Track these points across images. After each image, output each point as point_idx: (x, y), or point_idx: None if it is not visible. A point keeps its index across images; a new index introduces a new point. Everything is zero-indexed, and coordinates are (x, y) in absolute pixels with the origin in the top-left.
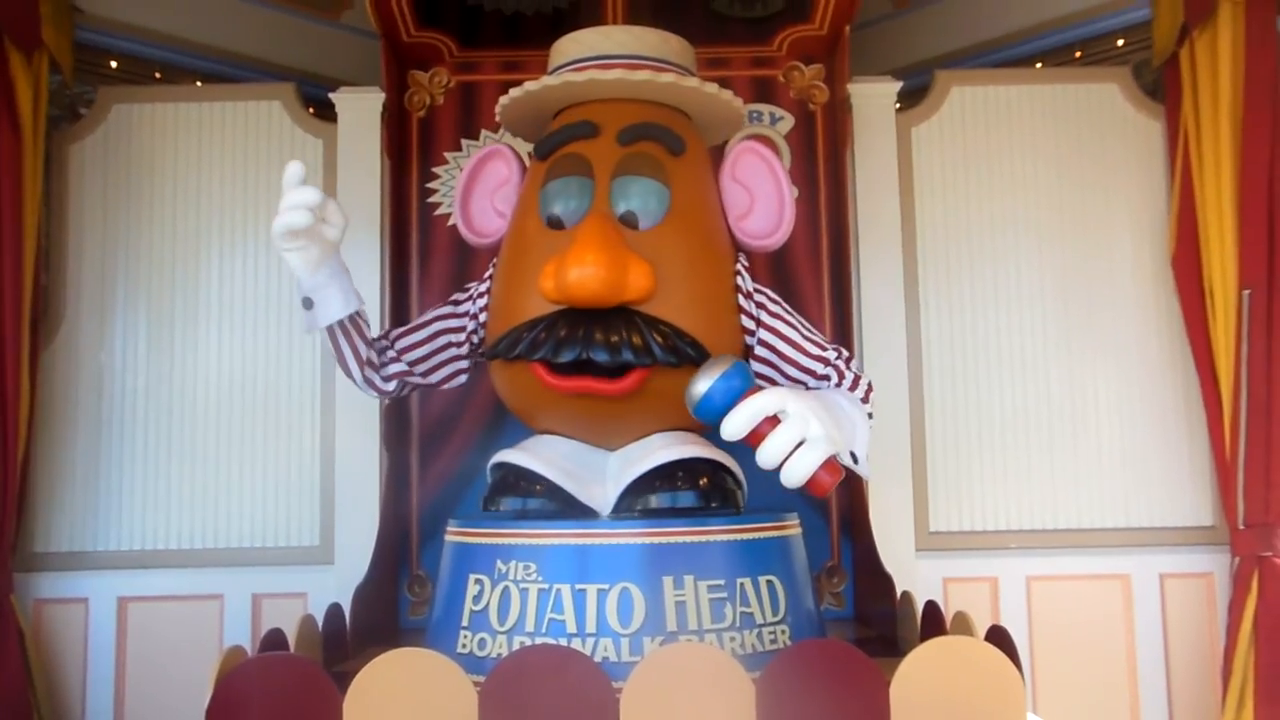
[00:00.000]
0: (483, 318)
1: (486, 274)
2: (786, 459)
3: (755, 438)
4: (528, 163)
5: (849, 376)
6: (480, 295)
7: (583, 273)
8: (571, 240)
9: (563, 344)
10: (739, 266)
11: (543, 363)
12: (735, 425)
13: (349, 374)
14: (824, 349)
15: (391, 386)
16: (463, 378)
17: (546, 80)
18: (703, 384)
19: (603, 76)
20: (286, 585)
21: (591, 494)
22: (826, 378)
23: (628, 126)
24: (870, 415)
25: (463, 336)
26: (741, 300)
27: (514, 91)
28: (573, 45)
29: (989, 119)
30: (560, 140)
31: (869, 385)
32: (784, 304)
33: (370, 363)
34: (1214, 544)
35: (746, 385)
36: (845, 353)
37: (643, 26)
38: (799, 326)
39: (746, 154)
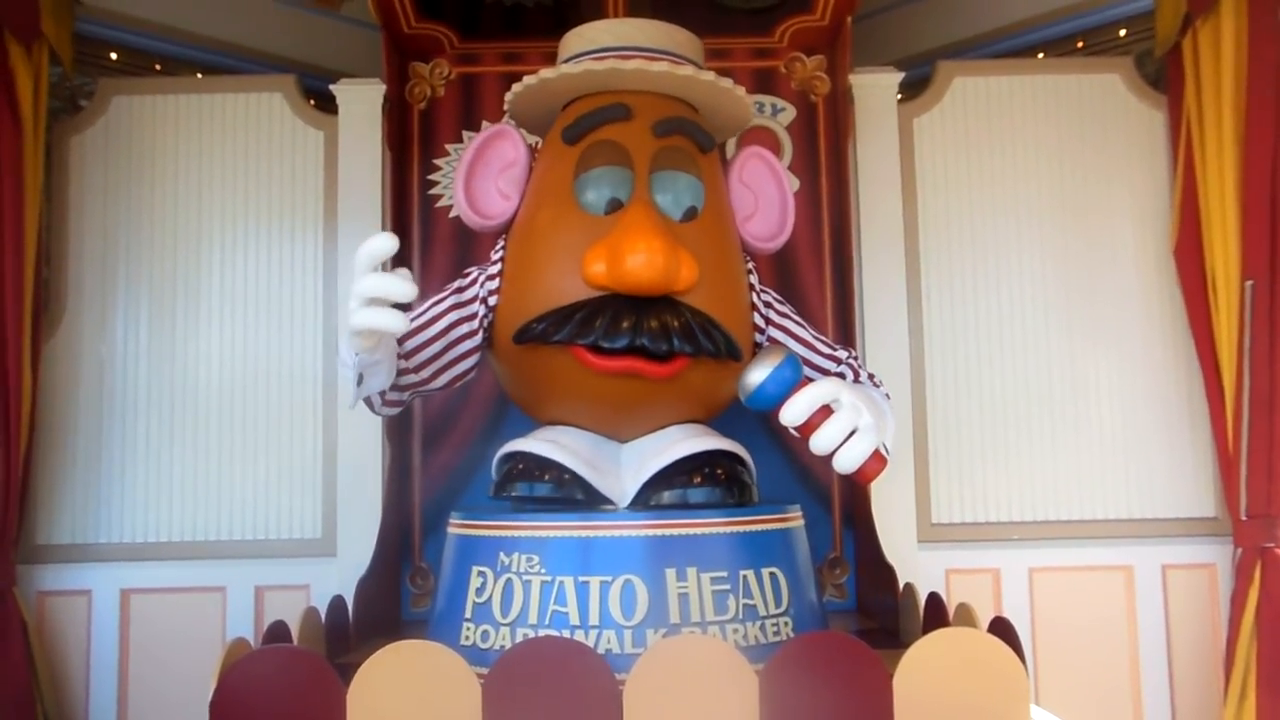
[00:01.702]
0: (493, 301)
1: (496, 257)
2: (838, 446)
3: (807, 426)
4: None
5: (863, 375)
6: (490, 279)
7: (639, 259)
8: (621, 227)
9: (612, 329)
10: (750, 265)
11: (589, 346)
12: (795, 412)
13: (369, 407)
14: (834, 349)
15: (405, 397)
16: (471, 375)
17: (590, 65)
18: (759, 373)
19: (650, 68)
20: (289, 577)
21: (609, 484)
22: (841, 375)
23: (664, 119)
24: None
25: (476, 324)
26: (753, 298)
27: (545, 73)
28: (600, 34)
29: (991, 110)
30: (594, 123)
31: (881, 383)
32: (788, 305)
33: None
34: (1217, 535)
35: (798, 376)
36: (853, 352)
37: (668, 23)
38: (806, 327)
39: (753, 159)
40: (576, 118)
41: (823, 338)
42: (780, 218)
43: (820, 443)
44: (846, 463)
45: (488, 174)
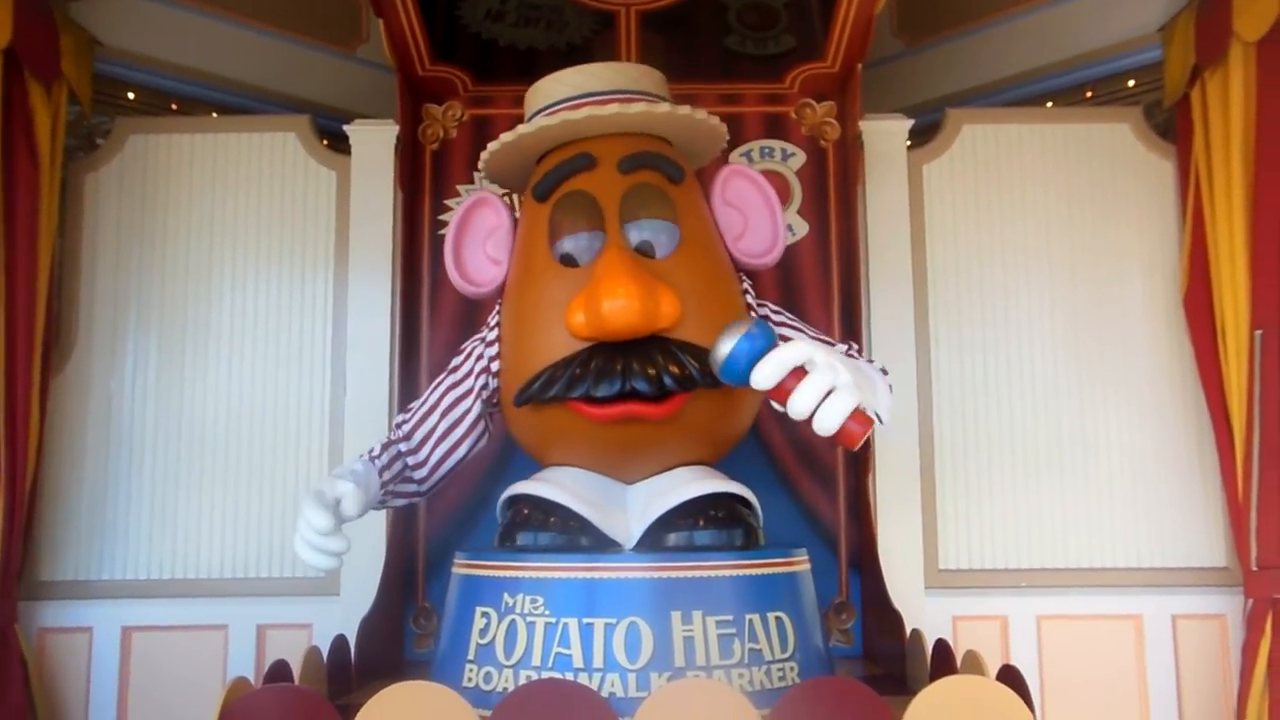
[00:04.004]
0: (495, 367)
1: (492, 323)
2: (818, 408)
3: (782, 393)
4: (515, 208)
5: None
6: (488, 345)
7: (616, 304)
8: (596, 275)
9: (602, 378)
10: (745, 285)
11: (583, 398)
12: (765, 374)
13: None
14: (834, 345)
15: (423, 489)
16: (482, 444)
17: (543, 121)
18: (728, 342)
19: (601, 112)
20: (291, 616)
21: (613, 525)
22: None
23: (628, 155)
24: (890, 389)
25: (473, 400)
26: (750, 317)
27: (505, 136)
28: (556, 86)
29: (1000, 157)
30: (560, 176)
31: (885, 370)
32: (788, 313)
33: (396, 479)
34: (1227, 585)
35: (771, 342)
36: (856, 346)
37: (621, 61)
38: (806, 330)
39: (734, 177)
40: (543, 174)
41: (824, 337)
42: (772, 231)
43: (798, 406)
44: (825, 424)
45: (474, 242)
